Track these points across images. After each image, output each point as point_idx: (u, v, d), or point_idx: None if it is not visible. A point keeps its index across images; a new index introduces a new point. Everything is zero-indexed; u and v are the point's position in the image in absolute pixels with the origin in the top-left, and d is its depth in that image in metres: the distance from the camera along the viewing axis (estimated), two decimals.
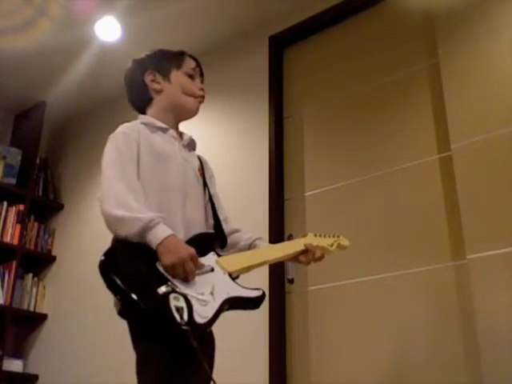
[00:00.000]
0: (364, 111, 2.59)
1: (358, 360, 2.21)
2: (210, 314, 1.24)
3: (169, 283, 1.24)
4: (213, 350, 1.46)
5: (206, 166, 1.68)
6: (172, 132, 1.57)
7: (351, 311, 2.30)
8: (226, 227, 1.61)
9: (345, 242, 1.67)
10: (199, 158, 1.67)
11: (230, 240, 1.59)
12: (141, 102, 1.63)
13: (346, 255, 2.30)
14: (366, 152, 2.50)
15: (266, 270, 2.49)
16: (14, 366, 3.37)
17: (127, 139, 1.46)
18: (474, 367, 1.91)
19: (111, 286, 1.21)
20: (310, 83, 2.87)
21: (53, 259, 3.70)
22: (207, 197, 1.60)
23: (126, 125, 1.51)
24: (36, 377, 3.39)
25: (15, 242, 3.47)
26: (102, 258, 1.25)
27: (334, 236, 1.66)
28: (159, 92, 1.59)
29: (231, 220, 1.68)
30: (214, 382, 1.19)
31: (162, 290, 1.21)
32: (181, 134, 1.64)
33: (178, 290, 1.23)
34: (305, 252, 1.54)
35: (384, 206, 2.36)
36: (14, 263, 3.41)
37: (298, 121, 2.84)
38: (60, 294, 3.55)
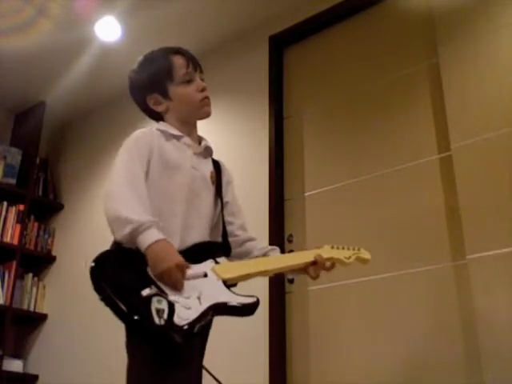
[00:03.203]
0: (364, 111, 2.59)
1: (358, 360, 2.21)
2: (192, 317, 1.24)
3: (152, 286, 1.25)
4: (203, 349, 1.46)
5: (224, 172, 1.67)
6: (186, 139, 1.57)
7: (351, 311, 2.30)
8: (242, 234, 1.61)
9: (366, 255, 1.61)
10: (218, 164, 1.66)
11: (243, 248, 1.59)
12: (154, 118, 1.64)
13: None
14: (366, 152, 2.50)
15: None
16: (14, 365, 3.37)
17: (140, 143, 1.46)
18: (473, 367, 1.91)
19: (99, 291, 1.23)
20: (310, 83, 2.87)
21: (53, 259, 3.70)
22: (219, 203, 1.60)
23: (141, 130, 1.52)
24: (36, 377, 3.39)
25: (15, 242, 3.47)
26: (92, 264, 1.26)
27: (353, 249, 1.60)
28: (166, 111, 1.60)
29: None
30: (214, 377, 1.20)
31: (146, 292, 1.23)
32: (200, 140, 1.63)
33: (161, 292, 1.24)
34: (314, 264, 1.51)
35: (384, 206, 2.36)
36: (14, 263, 3.42)
37: (298, 121, 2.84)
38: (60, 294, 3.55)
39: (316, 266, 1.51)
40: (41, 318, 3.55)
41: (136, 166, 1.42)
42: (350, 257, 1.57)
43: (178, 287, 1.28)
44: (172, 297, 1.25)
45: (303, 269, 1.52)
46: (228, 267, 1.42)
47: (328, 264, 1.53)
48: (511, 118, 2.06)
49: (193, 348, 1.32)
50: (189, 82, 1.59)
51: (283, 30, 3.01)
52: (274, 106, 2.88)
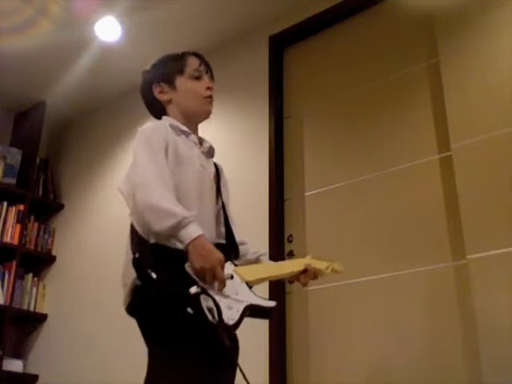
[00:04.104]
0: (364, 111, 2.59)
1: (358, 360, 2.21)
2: (237, 316, 1.26)
3: (198, 285, 1.25)
4: (237, 351, 1.48)
5: (222, 174, 1.69)
6: (193, 137, 1.58)
7: (351, 311, 2.30)
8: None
9: (339, 266, 1.68)
10: (216, 165, 1.67)
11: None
12: (157, 113, 1.64)
13: (346, 255, 2.31)
14: (366, 152, 2.50)
15: None
16: (14, 365, 3.37)
17: (157, 135, 1.46)
18: (473, 367, 1.91)
19: (145, 279, 1.23)
20: (310, 83, 2.87)
21: (53, 259, 3.70)
22: (219, 205, 1.61)
23: (154, 122, 1.52)
24: (36, 377, 3.39)
25: (15, 242, 3.47)
26: (137, 255, 1.27)
27: (328, 260, 1.67)
28: (169, 102, 1.60)
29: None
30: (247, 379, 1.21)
31: (194, 289, 1.22)
32: (201, 141, 1.64)
33: (207, 291, 1.25)
34: (304, 272, 1.56)
35: (384, 205, 2.36)
36: (14, 263, 3.42)
37: (298, 121, 2.84)
38: (60, 294, 3.55)
39: (306, 274, 1.56)
40: (41, 318, 3.55)
41: (158, 155, 1.41)
42: (327, 267, 1.64)
43: (222, 285, 1.28)
44: (215, 296, 1.25)
45: (296, 276, 1.58)
46: (247, 270, 1.44)
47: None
48: (511, 118, 2.06)
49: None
50: (197, 78, 1.61)
51: (283, 30, 3.01)
52: (273, 106, 2.88)
